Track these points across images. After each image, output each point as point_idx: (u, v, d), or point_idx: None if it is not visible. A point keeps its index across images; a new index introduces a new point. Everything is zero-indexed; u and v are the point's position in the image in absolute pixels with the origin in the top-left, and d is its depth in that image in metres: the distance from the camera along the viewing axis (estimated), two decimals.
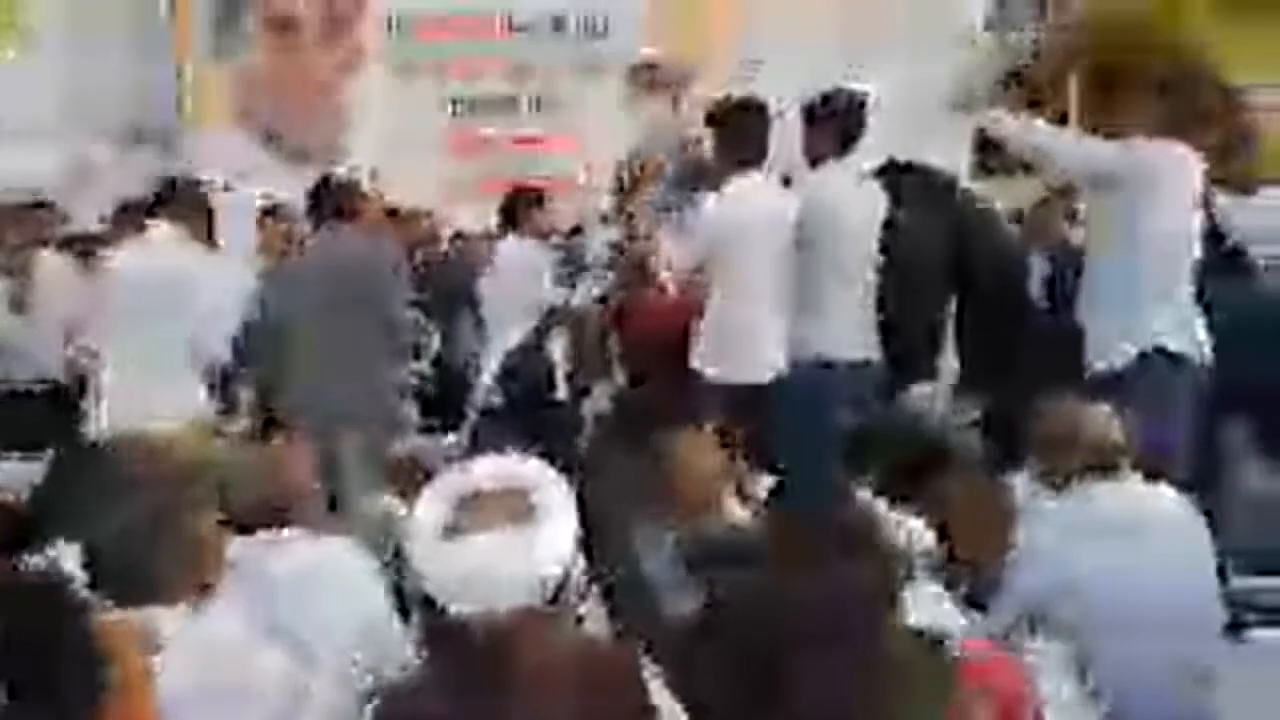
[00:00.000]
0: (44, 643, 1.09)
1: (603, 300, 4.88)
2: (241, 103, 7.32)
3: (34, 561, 1.78)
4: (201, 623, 1.76)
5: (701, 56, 7.13)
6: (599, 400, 4.58)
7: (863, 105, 3.88)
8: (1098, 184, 3.48)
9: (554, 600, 1.55)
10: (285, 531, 2.27)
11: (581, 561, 1.71)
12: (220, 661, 1.72)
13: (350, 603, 2.22)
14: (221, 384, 4.02)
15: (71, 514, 1.78)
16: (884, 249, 3.88)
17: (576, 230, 5.82)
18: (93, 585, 1.65)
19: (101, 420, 3.72)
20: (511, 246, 5.15)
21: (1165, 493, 2.56)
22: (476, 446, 4.35)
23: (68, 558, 1.66)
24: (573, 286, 5.12)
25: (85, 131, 5.86)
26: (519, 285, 4.97)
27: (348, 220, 4.23)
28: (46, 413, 4.30)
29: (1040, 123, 3.60)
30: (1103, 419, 2.57)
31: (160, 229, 3.83)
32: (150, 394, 3.61)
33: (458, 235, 6.21)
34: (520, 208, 5.18)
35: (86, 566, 1.67)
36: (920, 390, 3.96)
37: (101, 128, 6.06)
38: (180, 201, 3.93)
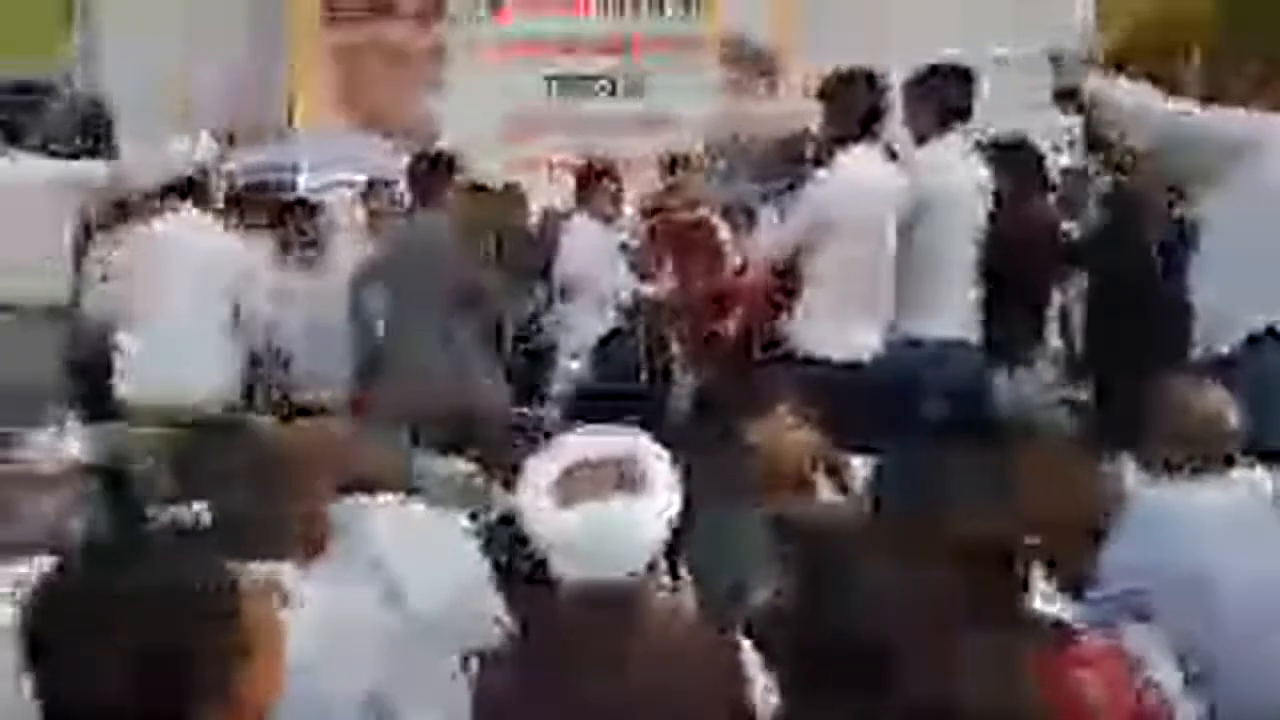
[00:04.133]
0: (189, 591, 1.14)
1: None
2: (340, 88, 7.45)
3: (175, 517, 1.89)
4: (318, 581, 1.82)
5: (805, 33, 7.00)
6: (683, 384, 4.59)
7: (969, 79, 3.79)
8: (1220, 154, 3.30)
9: (657, 568, 1.57)
10: (383, 498, 2.33)
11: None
12: (335, 619, 1.77)
13: (452, 566, 2.26)
14: (251, 369, 4.04)
15: (208, 480, 1.88)
16: (989, 228, 3.80)
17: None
18: (220, 542, 1.74)
19: (123, 389, 3.74)
20: (576, 225, 5.16)
21: (1270, 480, 2.46)
22: (566, 418, 4.40)
23: (202, 517, 1.75)
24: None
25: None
26: (585, 266, 5.02)
27: (440, 198, 4.27)
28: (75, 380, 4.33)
29: (1145, 88, 3.45)
30: (1218, 404, 2.48)
31: (192, 212, 3.87)
32: (172, 368, 3.65)
33: (547, 213, 6.22)
34: (587, 186, 5.20)
35: (216, 525, 1.76)
36: (1020, 372, 3.87)
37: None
38: (201, 189, 3.96)
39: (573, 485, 1.58)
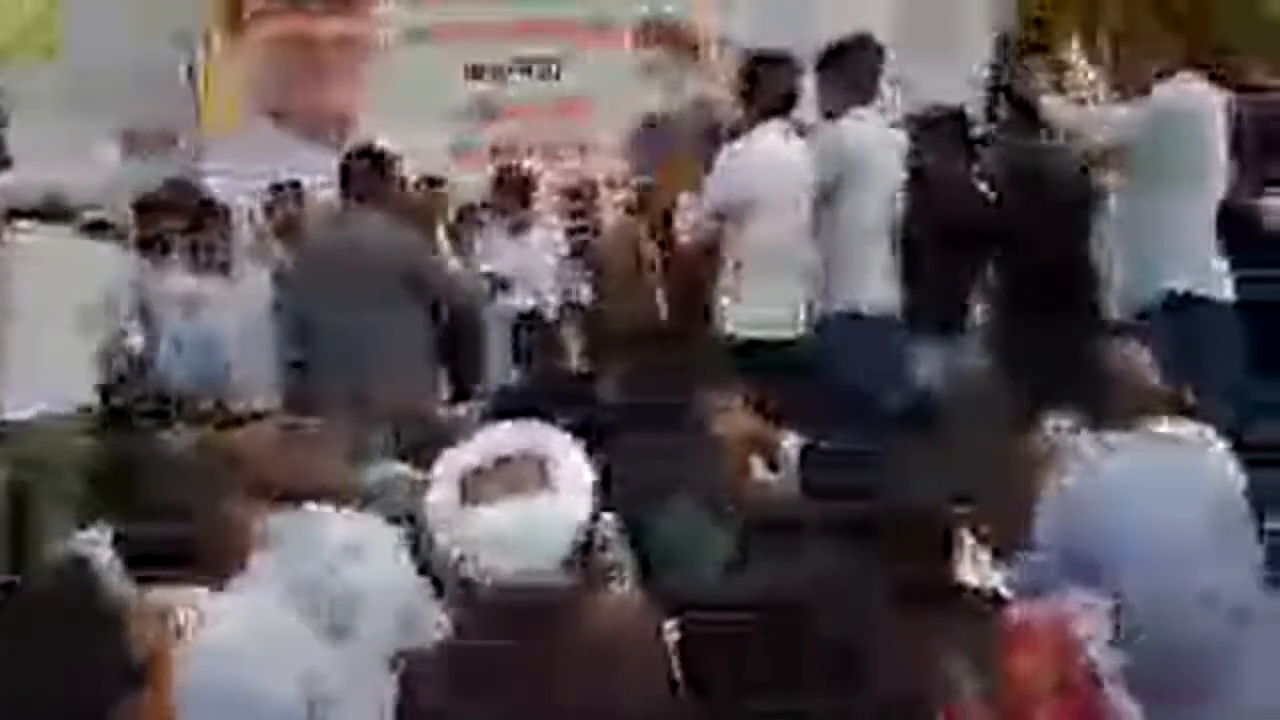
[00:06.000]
0: (75, 620, 1.11)
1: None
2: (259, 85, 7.29)
3: (71, 545, 1.83)
4: (239, 596, 1.78)
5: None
6: (618, 372, 4.57)
7: (880, 52, 3.82)
8: (1132, 143, 3.40)
9: (574, 565, 1.55)
10: (322, 507, 2.29)
11: (610, 525, 1.69)
12: (255, 633, 1.73)
13: (387, 577, 2.23)
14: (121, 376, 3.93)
15: (115, 499, 1.83)
16: (912, 199, 3.84)
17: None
18: (131, 566, 1.69)
19: None
20: (488, 223, 5.34)
21: (1197, 435, 2.51)
22: (493, 416, 4.36)
23: (104, 541, 1.70)
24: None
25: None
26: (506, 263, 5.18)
27: (377, 196, 4.19)
28: None
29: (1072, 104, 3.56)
30: (1133, 364, 2.54)
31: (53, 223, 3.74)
32: (35, 379, 3.53)
33: (462, 211, 6.16)
34: (501, 186, 5.38)
35: (126, 548, 1.71)
36: (949, 340, 3.90)
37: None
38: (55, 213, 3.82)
39: (485, 483, 1.56)
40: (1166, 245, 3.32)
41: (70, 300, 3.65)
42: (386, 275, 4.02)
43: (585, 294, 5.16)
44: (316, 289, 4.15)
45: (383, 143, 4.77)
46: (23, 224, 3.68)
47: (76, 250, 3.77)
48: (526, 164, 5.69)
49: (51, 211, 3.78)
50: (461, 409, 4.46)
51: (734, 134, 3.94)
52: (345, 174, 4.23)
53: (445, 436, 3.85)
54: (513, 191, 5.38)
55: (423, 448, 3.37)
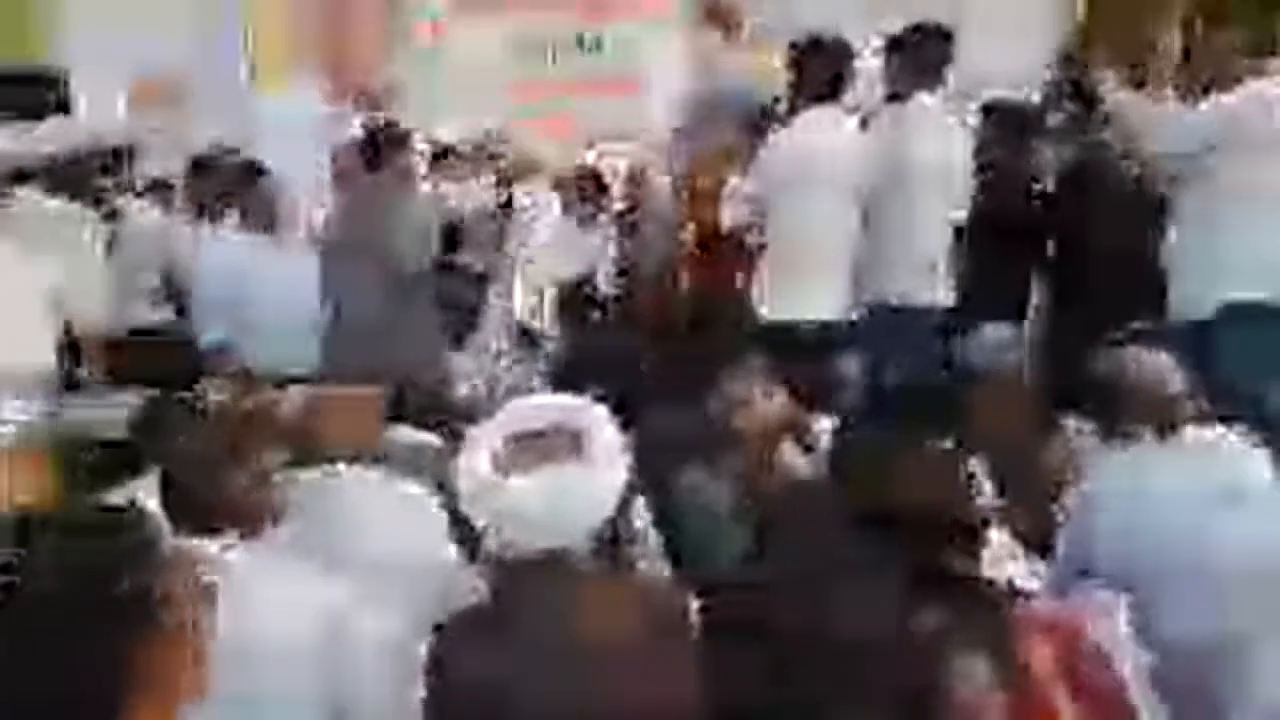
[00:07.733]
0: (108, 566, 1.13)
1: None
2: (300, 51, 7.31)
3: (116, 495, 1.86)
4: (261, 555, 1.80)
5: None
6: (654, 347, 4.57)
7: (948, 38, 3.79)
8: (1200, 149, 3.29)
9: (604, 540, 1.56)
10: (350, 469, 2.31)
11: (642, 509, 1.69)
12: (277, 593, 1.75)
13: (414, 540, 2.25)
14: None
15: (153, 450, 1.85)
16: (979, 190, 3.81)
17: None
18: (168, 516, 1.72)
19: None
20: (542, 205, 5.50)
21: (1232, 444, 2.48)
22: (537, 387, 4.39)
23: (151, 491, 1.73)
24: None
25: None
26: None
27: (390, 167, 4.21)
28: None
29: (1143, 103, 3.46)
30: (1161, 370, 2.50)
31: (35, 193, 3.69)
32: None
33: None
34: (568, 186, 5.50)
35: (162, 497, 1.74)
36: (992, 334, 3.86)
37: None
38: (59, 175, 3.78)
39: (517, 455, 1.56)
40: (1235, 251, 3.24)
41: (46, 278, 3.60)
42: (392, 246, 4.05)
43: (629, 277, 5.18)
44: (339, 260, 4.19)
45: (409, 116, 4.81)
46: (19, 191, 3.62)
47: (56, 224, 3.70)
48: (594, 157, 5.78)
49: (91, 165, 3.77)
50: (480, 382, 4.49)
51: (789, 116, 3.92)
52: (364, 145, 4.28)
53: (455, 407, 3.90)
54: (589, 190, 5.53)
55: (428, 411, 3.41)
